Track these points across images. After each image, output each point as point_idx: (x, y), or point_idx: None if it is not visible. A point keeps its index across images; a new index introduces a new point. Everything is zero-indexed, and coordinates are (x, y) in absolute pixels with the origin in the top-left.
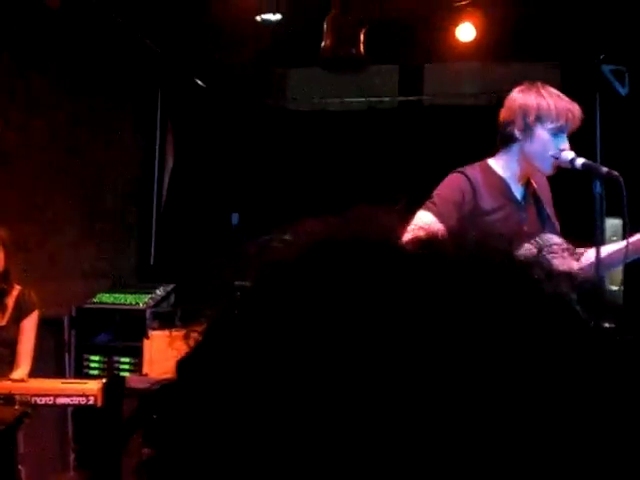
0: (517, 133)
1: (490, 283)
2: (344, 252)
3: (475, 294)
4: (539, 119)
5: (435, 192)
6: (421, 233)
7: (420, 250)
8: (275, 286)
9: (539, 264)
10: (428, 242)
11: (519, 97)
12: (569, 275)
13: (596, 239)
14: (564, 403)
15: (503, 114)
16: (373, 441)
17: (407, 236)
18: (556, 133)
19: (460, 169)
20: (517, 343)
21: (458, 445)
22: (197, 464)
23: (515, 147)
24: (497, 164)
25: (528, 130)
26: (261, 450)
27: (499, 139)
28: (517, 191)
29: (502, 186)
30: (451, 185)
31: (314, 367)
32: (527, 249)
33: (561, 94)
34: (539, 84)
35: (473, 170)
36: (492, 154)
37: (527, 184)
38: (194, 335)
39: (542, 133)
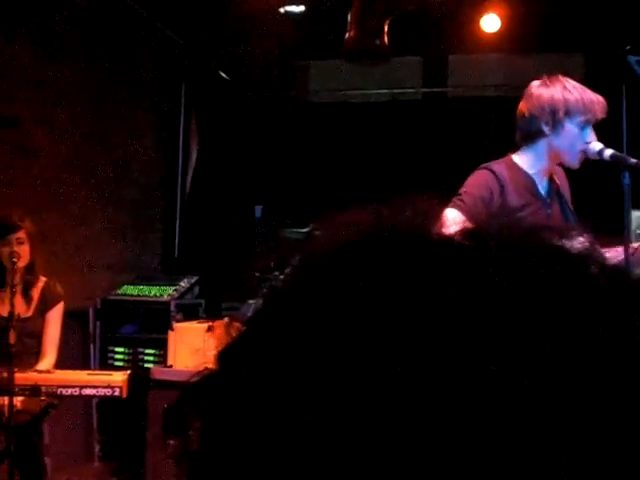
0: (545, 129)
1: (545, 276)
2: (390, 243)
3: (529, 288)
4: (568, 114)
5: (462, 189)
6: (468, 225)
7: (469, 242)
8: (320, 278)
9: (593, 258)
10: (477, 234)
11: (545, 92)
12: (622, 268)
13: (625, 231)
14: (624, 402)
15: (527, 109)
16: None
17: (447, 231)
18: (583, 126)
19: (486, 165)
20: (573, 339)
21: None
22: (240, 454)
23: (542, 142)
24: (522, 160)
25: (557, 125)
26: (305, 440)
27: (522, 135)
28: (542, 187)
29: (528, 183)
30: (478, 182)
31: (362, 361)
32: (580, 242)
33: (584, 86)
34: (561, 77)
35: (499, 166)
36: (514, 150)
37: (550, 180)
38: (236, 325)
39: (571, 128)
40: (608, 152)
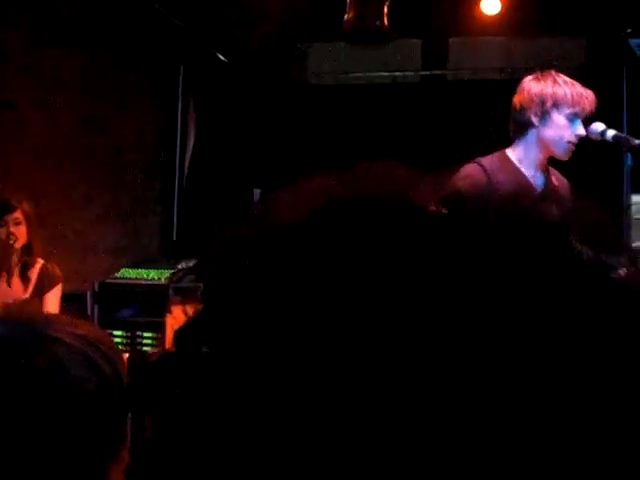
0: (534, 119)
1: (519, 246)
2: (359, 212)
3: (503, 256)
4: (556, 105)
5: (448, 183)
6: (441, 194)
7: (442, 210)
8: (280, 249)
9: (569, 225)
10: (452, 202)
11: (534, 86)
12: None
13: (625, 212)
14: (600, 371)
15: (518, 101)
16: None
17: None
18: (572, 119)
19: (477, 159)
20: (550, 310)
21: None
22: (196, 436)
23: (531, 133)
24: (514, 154)
25: (545, 115)
26: (260, 423)
27: (514, 127)
28: (537, 182)
29: (520, 177)
30: (465, 176)
31: (323, 334)
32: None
33: (574, 81)
34: (553, 72)
35: (490, 160)
36: (508, 144)
37: (548, 178)
38: (195, 306)
39: (559, 118)
40: (610, 133)
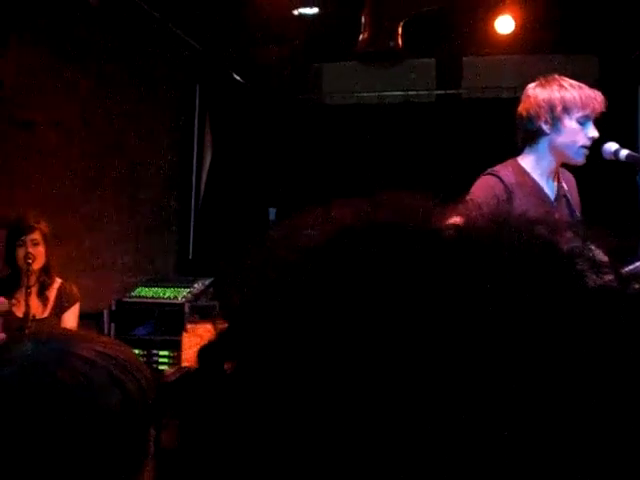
0: (544, 126)
1: (530, 274)
2: (376, 237)
3: (513, 285)
4: (566, 110)
5: (468, 196)
6: (458, 219)
7: (458, 236)
8: (303, 274)
9: (584, 255)
10: (466, 229)
11: (541, 92)
12: (614, 265)
13: None
14: (603, 402)
15: (525, 110)
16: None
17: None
18: (583, 122)
19: (492, 170)
20: (555, 340)
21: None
22: (217, 450)
23: (543, 142)
24: (526, 163)
25: (556, 122)
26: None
27: (523, 137)
28: (549, 189)
29: (534, 186)
30: (485, 189)
31: (344, 357)
32: (569, 238)
33: (581, 84)
34: (557, 76)
35: (506, 170)
36: (518, 153)
37: (558, 184)
38: (220, 326)
39: (570, 123)
40: (624, 152)
